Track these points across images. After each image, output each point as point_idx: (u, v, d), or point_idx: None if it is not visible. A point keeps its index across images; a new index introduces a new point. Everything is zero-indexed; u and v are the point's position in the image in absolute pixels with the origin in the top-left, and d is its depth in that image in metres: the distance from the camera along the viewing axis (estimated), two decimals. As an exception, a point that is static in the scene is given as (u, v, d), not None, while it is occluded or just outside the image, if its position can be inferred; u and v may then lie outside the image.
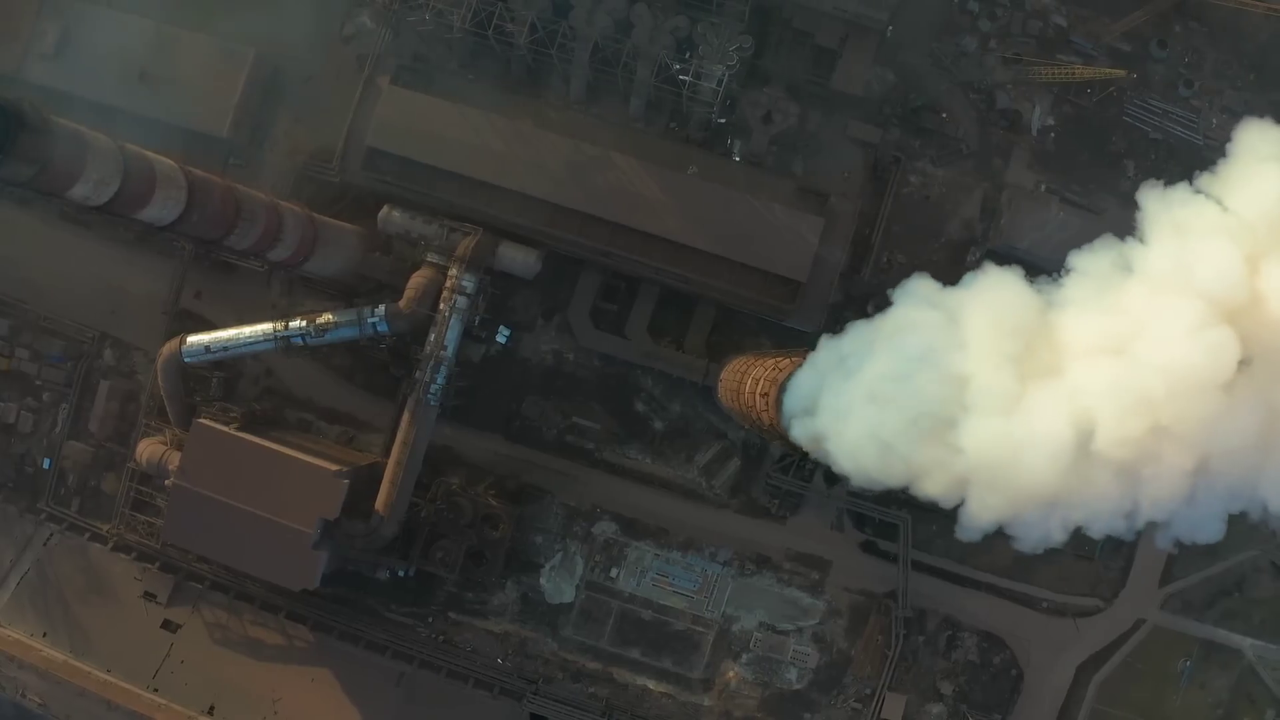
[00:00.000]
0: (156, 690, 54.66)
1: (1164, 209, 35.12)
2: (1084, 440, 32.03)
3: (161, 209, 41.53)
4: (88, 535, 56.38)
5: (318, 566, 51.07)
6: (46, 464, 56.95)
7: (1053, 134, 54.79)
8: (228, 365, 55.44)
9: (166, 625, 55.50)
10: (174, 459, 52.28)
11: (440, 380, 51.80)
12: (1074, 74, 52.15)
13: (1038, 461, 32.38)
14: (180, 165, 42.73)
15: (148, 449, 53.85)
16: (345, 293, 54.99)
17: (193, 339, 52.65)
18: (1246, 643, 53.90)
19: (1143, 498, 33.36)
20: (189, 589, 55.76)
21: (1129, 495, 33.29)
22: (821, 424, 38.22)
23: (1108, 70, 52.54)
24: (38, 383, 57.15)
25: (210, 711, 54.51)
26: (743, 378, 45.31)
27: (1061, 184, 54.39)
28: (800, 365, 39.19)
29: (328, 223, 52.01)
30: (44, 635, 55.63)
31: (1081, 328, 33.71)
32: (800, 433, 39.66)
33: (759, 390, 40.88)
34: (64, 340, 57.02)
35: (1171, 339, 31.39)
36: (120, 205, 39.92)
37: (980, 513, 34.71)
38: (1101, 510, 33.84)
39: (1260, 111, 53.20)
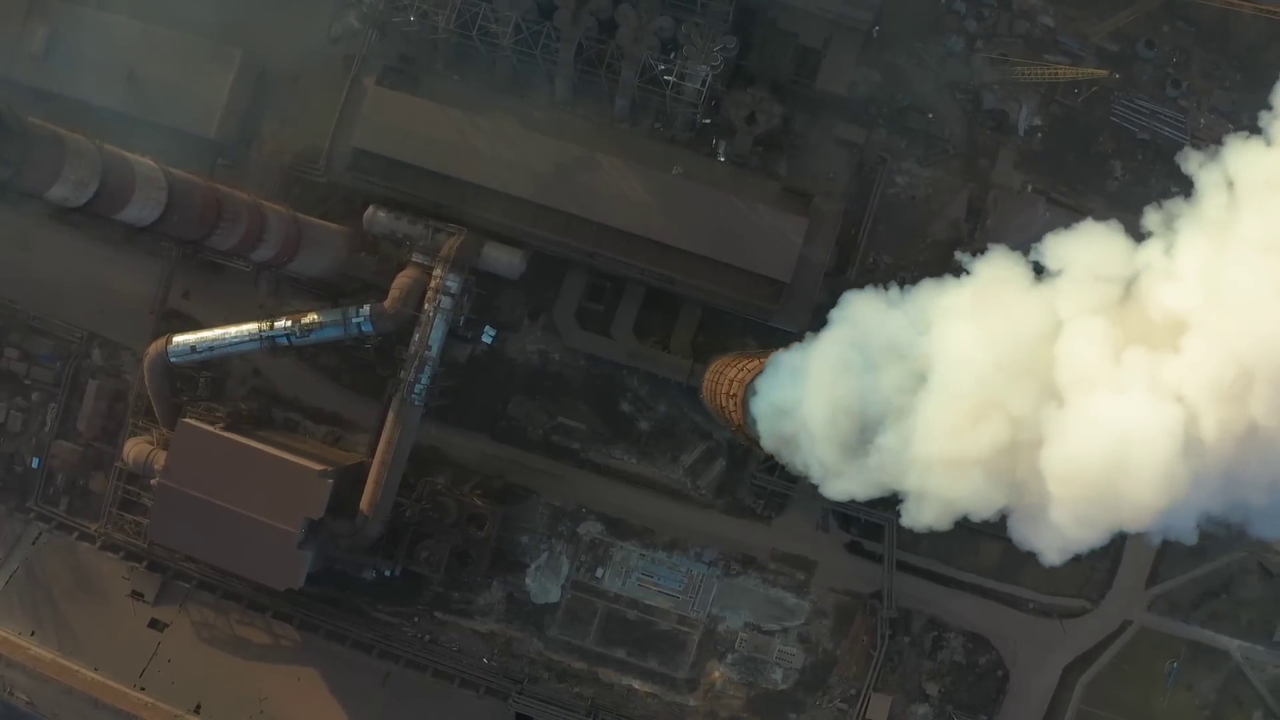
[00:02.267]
0: (143, 689, 54.85)
1: (1214, 167, 32.19)
2: (1193, 441, 28.58)
3: (141, 210, 41.70)
4: (76, 534, 56.62)
5: (302, 566, 51.19)
6: (35, 463, 57.19)
7: (1039, 134, 54.67)
8: (215, 365, 55.59)
9: (154, 624, 55.67)
10: (160, 458, 52.43)
11: (425, 380, 51.88)
12: (1057, 74, 52.03)
13: (1146, 473, 28.55)
14: (160, 166, 42.91)
15: (134, 448, 54.02)
16: (332, 293, 55.05)
17: (179, 339, 52.81)
18: (1234, 644, 53.76)
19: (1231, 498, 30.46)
20: (176, 588, 55.93)
21: (1228, 497, 30.31)
22: (888, 464, 34.36)
23: (1090, 70, 52.42)
24: (27, 382, 57.33)
25: (197, 710, 54.69)
26: (719, 379, 45.32)
27: (1048, 184, 54.29)
28: (764, 369, 38.65)
29: (312, 223, 52.12)
30: (32, 634, 55.82)
31: (1178, 301, 30.11)
32: (857, 485, 36.21)
33: (729, 391, 40.85)
34: (53, 340, 57.21)
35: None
36: (99, 206, 40.11)
37: (1066, 542, 31.58)
38: (1188, 515, 30.62)
39: (1249, 112, 53.67)
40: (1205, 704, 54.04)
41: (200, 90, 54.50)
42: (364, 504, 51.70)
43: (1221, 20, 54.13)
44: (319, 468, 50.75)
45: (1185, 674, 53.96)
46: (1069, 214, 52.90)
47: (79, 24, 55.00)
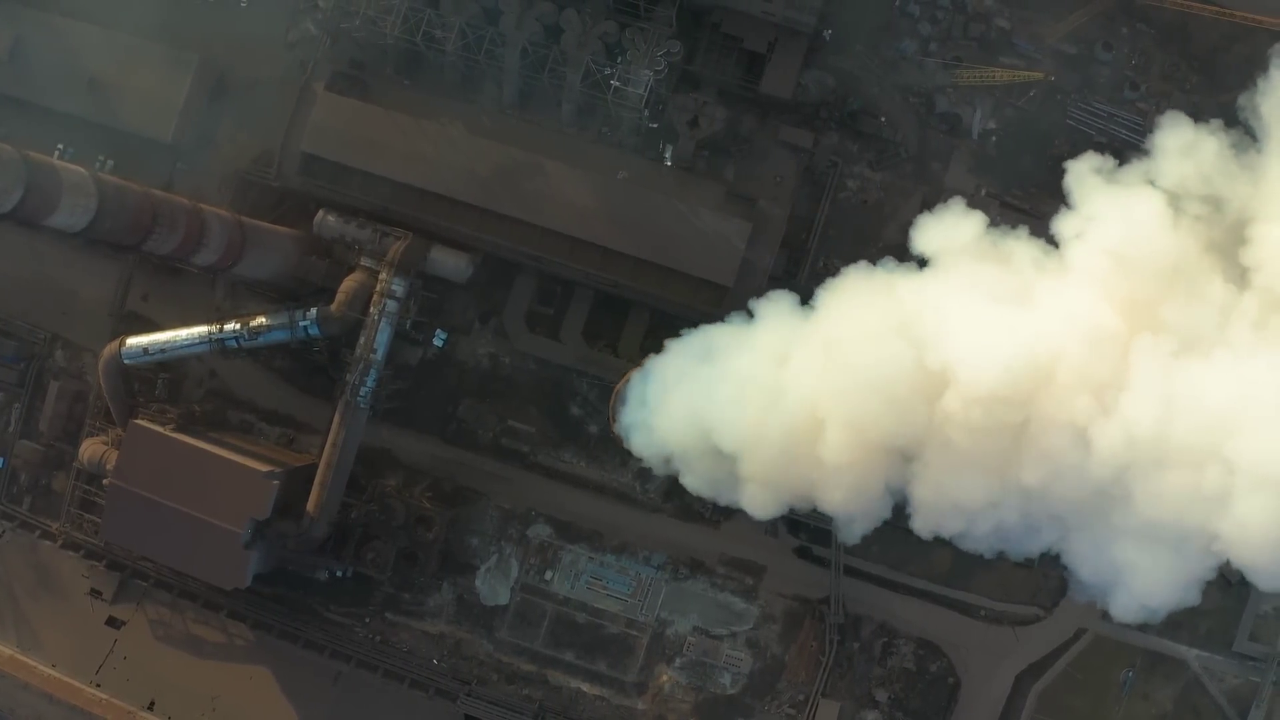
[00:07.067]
0: (99, 685, 55.63)
1: None
2: None
3: (70, 216, 42.35)
4: (38, 533, 57.50)
5: (248, 566, 51.83)
6: (0, 463, 58.12)
7: (994, 138, 54.16)
8: (172, 367, 56.20)
9: (111, 622, 56.51)
10: (113, 459, 53.15)
11: (370, 383, 52.26)
12: (994, 76, 51.50)
13: None
14: (91, 173, 43.54)
15: (90, 449, 54.87)
16: (287, 296, 55.49)
17: (131, 341, 53.55)
18: (1192, 654, 53.06)
19: None
20: (134, 586, 56.71)
21: None
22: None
23: (1026, 73, 51.85)
24: (-10, 383, 58.35)
25: (150, 707, 55.40)
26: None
27: (1002, 188, 53.76)
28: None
29: (257, 227, 52.61)
30: (-7, 630, 56.96)
31: None
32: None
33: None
34: (17, 341, 58.01)
35: None
36: (25, 213, 40.82)
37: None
38: None
39: (1208, 114, 52.98)
40: (1162, 714, 53.40)
41: (158, 95, 55.23)
42: (309, 505, 52.14)
43: (1182, 22, 53.31)
44: (265, 469, 51.27)
45: (1142, 683, 53.31)
46: (1022, 218, 52.66)
47: (43, 30, 55.84)
